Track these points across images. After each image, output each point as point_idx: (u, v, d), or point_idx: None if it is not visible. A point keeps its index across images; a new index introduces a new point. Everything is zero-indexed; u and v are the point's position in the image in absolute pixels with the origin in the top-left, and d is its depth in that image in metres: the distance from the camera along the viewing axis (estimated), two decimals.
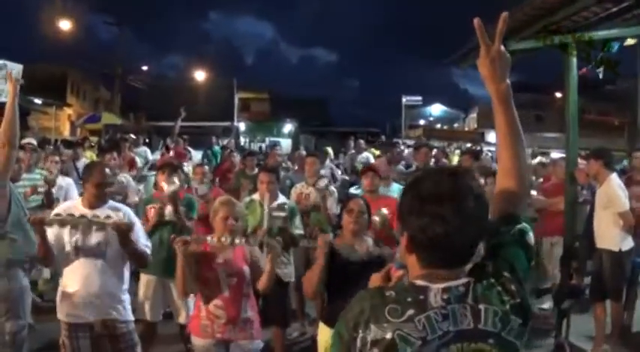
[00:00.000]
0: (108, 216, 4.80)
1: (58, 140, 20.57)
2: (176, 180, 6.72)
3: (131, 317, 5.21)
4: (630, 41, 7.53)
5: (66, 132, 35.54)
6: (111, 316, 5.00)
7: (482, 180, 7.73)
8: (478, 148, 21.84)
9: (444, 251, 1.97)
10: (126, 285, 5.22)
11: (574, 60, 7.51)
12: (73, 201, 5.51)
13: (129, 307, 5.20)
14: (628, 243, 7.31)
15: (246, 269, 4.96)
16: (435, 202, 1.95)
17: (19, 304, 5.50)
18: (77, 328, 4.96)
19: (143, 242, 5.15)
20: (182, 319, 6.44)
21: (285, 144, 22.59)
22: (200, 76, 42.73)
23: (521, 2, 7.06)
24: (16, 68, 5.69)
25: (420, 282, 1.98)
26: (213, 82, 42.87)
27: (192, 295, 5.27)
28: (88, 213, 4.90)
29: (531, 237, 2.14)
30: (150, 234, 6.08)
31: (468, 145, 25.91)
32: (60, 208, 5.21)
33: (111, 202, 5.24)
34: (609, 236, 7.31)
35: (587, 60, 7.62)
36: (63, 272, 5.06)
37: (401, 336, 1.87)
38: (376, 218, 6.42)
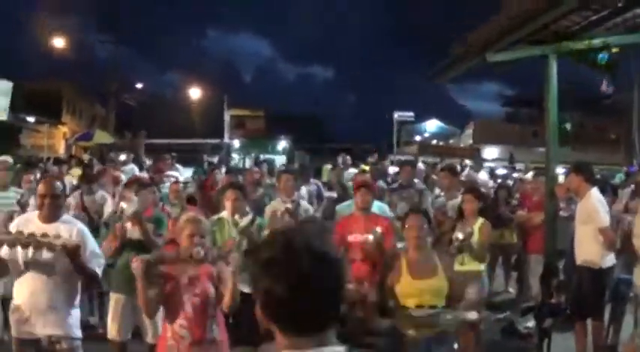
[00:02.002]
0: (57, 235, 4.71)
1: (51, 158, 20.52)
2: (132, 197, 6.68)
3: (78, 335, 5.15)
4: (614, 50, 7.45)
5: (61, 150, 35.52)
6: (57, 332, 4.96)
7: (460, 196, 7.56)
8: (464, 164, 21.85)
9: (293, 317, 1.82)
10: (76, 302, 5.19)
11: (554, 71, 7.42)
12: (30, 214, 5.49)
13: (77, 324, 5.16)
14: (609, 260, 7.07)
15: (211, 288, 4.79)
16: (269, 268, 1.82)
17: None
18: (24, 343, 4.99)
19: (95, 260, 5.06)
20: (150, 339, 6.32)
21: (280, 161, 22.58)
22: (195, 93, 42.90)
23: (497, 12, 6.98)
24: (6, 86, 5.67)
25: None
26: (207, 100, 43.03)
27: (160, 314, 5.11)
28: (42, 228, 4.85)
29: None
30: (118, 252, 6.27)
31: (468, 162, 25.79)
32: (17, 221, 5.28)
33: (65, 217, 5.22)
34: (589, 252, 7.04)
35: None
36: (14, 285, 5.08)
37: None
38: (370, 237, 6.22)
